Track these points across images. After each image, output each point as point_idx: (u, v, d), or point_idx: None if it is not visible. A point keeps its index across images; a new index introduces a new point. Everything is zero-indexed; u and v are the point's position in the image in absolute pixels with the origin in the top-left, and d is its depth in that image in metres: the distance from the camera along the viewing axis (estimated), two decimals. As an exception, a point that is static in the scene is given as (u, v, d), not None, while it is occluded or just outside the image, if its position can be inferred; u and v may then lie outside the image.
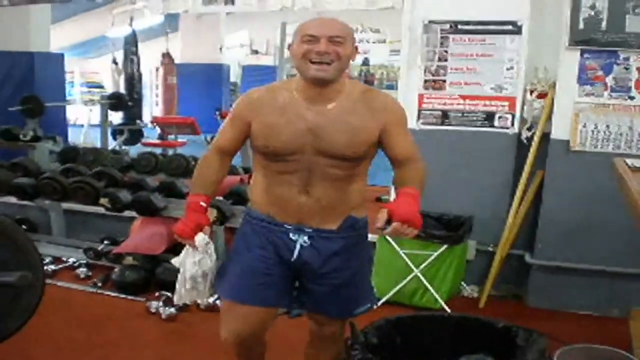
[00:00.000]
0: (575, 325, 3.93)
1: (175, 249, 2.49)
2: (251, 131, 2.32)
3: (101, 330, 3.73)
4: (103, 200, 4.70)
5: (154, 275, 4.30)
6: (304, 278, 2.42)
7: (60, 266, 4.75)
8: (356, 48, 2.29)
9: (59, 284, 4.43)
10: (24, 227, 5.03)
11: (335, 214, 2.34)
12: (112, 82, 11.37)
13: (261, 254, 2.38)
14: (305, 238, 2.34)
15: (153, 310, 3.93)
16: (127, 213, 4.72)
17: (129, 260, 4.41)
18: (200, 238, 2.37)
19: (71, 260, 4.82)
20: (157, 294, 4.10)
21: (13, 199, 5.16)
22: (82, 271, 4.62)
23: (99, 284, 4.38)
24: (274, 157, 2.28)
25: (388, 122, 2.28)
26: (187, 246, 2.41)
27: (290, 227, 2.34)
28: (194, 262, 2.42)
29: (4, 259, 2.79)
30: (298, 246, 2.35)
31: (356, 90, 2.31)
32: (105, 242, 4.98)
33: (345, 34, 2.20)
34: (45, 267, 4.30)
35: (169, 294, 3.85)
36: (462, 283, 4.41)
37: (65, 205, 5.19)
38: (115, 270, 4.39)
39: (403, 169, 2.30)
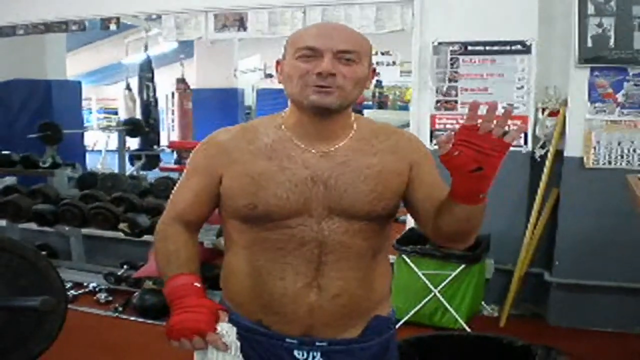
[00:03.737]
0: (597, 343, 3.91)
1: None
2: (223, 188, 1.59)
3: (122, 355, 3.78)
4: (122, 225, 4.77)
5: (174, 298, 4.32)
6: None
7: (81, 291, 4.82)
8: (374, 70, 1.62)
9: (80, 309, 4.47)
10: (44, 253, 5.09)
11: (357, 315, 1.62)
12: (125, 109, 11.50)
13: None
14: (318, 355, 1.60)
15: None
16: (146, 237, 4.77)
17: (148, 284, 4.46)
18: (227, 327, 1.47)
19: (91, 285, 4.88)
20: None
21: (33, 225, 5.24)
22: (102, 296, 4.69)
23: (120, 309, 4.43)
24: (264, 225, 1.55)
25: (417, 159, 1.63)
26: (205, 352, 1.47)
27: (294, 341, 1.59)
28: None
29: (27, 285, 2.85)
30: None
31: (364, 125, 1.64)
32: (125, 266, 5.03)
33: (359, 47, 1.53)
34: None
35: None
36: (482, 302, 4.41)
37: (85, 230, 5.27)
38: (136, 294, 4.45)
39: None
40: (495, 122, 1.31)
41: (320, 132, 1.56)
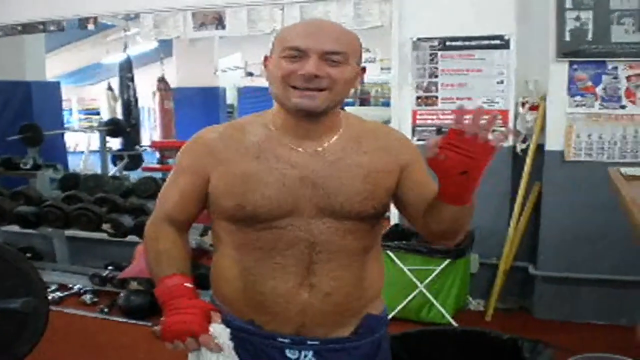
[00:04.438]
0: (583, 335, 3.94)
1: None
2: (211, 189, 1.57)
3: (109, 356, 3.77)
4: (105, 226, 4.75)
5: (159, 299, 4.32)
6: None
7: (66, 293, 4.78)
8: (363, 69, 1.58)
9: (66, 310, 4.45)
10: (28, 255, 5.07)
11: (349, 314, 1.61)
12: (108, 109, 11.43)
13: None
14: (310, 355, 1.59)
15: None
16: (130, 238, 4.76)
17: (134, 285, 4.44)
18: (220, 329, 1.46)
19: (77, 287, 4.85)
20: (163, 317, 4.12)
21: (16, 228, 5.20)
22: (88, 297, 4.66)
23: (106, 310, 4.42)
24: (253, 225, 1.53)
25: (409, 159, 1.61)
26: (199, 354, 1.46)
27: (286, 340, 1.58)
28: None
29: (8, 287, 2.84)
30: None
31: (354, 124, 1.63)
32: (110, 267, 5.00)
33: (347, 48, 1.49)
34: (51, 295, 4.39)
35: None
36: (469, 297, 4.44)
37: (69, 232, 5.23)
38: (121, 295, 4.43)
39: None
40: (481, 126, 1.32)
41: (308, 132, 1.54)
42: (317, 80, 1.45)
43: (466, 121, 1.32)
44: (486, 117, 1.32)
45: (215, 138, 1.59)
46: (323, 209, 1.52)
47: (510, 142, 4.24)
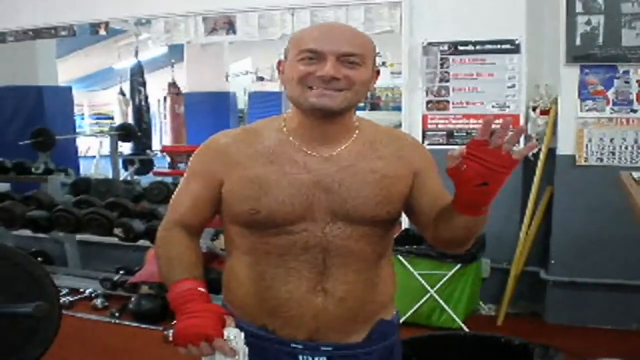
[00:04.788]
0: (594, 340, 3.92)
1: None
2: (224, 193, 1.56)
3: (120, 360, 3.78)
4: (117, 231, 4.77)
5: (170, 303, 4.33)
6: None
7: (78, 297, 4.80)
8: (377, 72, 1.58)
9: (77, 314, 4.47)
10: (39, 259, 5.09)
11: (362, 319, 1.60)
12: (120, 113, 11.50)
13: None
14: None
15: (171, 339, 3.95)
16: (141, 242, 4.78)
17: (145, 289, 4.45)
18: (235, 333, 1.44)
19: (88, 291, 4.87)
20: (174, 322, 4.12)
21: (28, 232, 5.23)
22: (99, 302, 4.68)
23: (117, 314, 4.43)
24: (267, 230, 1.52)
25: (422, 166, 1.62)
26: (213, 358, 1.43)
27: (299, 345, 1.56)
28: None
29: (20, 291, 2.86)
30: None
31: (368, 129, 1.61)
32: (121, 272, 5.02)
33: (363, 50, 1.49)
34: (62, 299, 4.39)
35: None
36: (480, 302, 4.42)
37: (80, 236, 5.26)
38: (132, 299, 4.44)
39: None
40: (505, 138, 1.32)
41: (322, 135, 1.53)
42: (335, 82, 1.44)
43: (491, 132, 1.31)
44: (511, 130, 1.31)
45: (228, 142, 1.58)
46: (337, 213, 1.51)
47: (521, 145, 4.20)
